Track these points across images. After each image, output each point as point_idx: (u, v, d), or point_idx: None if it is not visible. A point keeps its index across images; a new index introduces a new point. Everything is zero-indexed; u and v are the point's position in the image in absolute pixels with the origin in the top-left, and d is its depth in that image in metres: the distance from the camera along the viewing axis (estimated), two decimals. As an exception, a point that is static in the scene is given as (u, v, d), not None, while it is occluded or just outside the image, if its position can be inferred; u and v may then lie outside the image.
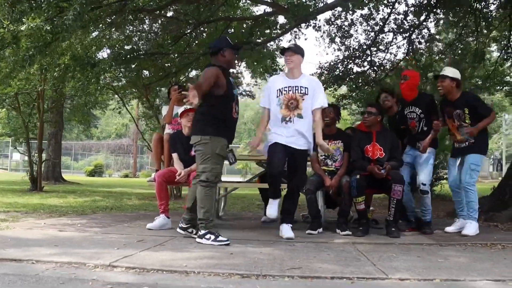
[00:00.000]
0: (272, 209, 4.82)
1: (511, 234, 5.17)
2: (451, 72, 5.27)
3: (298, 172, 4.88)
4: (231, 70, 4.97)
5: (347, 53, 11.28)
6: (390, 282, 2.91)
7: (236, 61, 4.86)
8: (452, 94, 5.22)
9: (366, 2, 9.30)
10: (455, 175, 5.31)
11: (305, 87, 4.80)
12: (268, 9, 9.89)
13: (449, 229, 5.30)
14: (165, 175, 5.45)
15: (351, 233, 5.05)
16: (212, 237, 4.26)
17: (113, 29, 8.74)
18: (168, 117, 6.10)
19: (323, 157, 5.53)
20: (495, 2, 10.17)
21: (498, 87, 13.30)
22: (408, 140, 5.57)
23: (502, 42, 11.59)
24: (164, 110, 6.37)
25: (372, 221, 5.85)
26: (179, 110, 5.85)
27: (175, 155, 5.63)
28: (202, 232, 4.33)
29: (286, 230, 4.77)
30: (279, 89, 4.83)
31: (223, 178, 6.21)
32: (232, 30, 10.20)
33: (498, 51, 12.63)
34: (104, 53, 11.28)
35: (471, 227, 5.00)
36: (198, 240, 4.33)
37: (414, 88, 5.45)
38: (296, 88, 4.80)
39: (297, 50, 4.89)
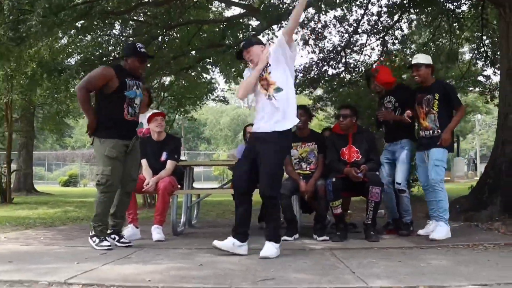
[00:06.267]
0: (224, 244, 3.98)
1: (492, 233, 5.04)
2: (424, 58, 5.11)
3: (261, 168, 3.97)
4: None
5: (321, 55, 11.18)
6: (369, 291, 2.70)
7: (141, 70, 4.64)
8: (428, 81, 5.05)
9: (340, 1, 9.14)
10: (424, 172, 5.06)
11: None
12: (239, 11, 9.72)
13: (421, 232, 5.02)
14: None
15: (329, 238, 4.86)
16: (97, 240, 4.31)
17: (81, 35, 8.41)
18: None
19: (297, 160, 5.33)
20: (466, 2, 10.18)
21: (471, 88, 13.39)
22: (386, 136, 5.41)
23: (474, 43, 11.65)
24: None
25: (350, 225, 5.67)
26: (147, 114, 5.57)
27: (143, 161, 5.36)
28: (91, 233, 4.41)
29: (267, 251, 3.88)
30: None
31: (198, 185, 5.96)
32: (205, 34, 9.94)
33: (471, 51, 12.72)
34: (73, 60, 10.93)
35: (441, 231, 4.68)
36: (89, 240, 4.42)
37: (383, 83, 5.29)
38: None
39: (249, 45, 4.25)
